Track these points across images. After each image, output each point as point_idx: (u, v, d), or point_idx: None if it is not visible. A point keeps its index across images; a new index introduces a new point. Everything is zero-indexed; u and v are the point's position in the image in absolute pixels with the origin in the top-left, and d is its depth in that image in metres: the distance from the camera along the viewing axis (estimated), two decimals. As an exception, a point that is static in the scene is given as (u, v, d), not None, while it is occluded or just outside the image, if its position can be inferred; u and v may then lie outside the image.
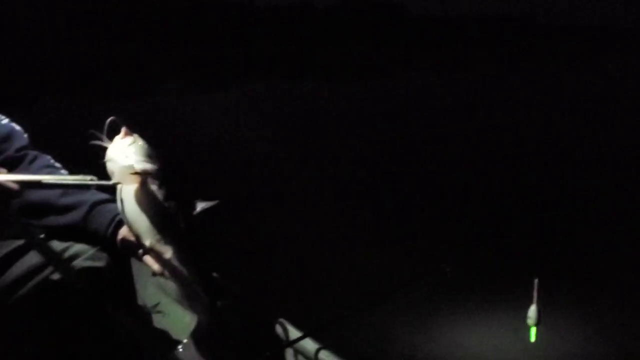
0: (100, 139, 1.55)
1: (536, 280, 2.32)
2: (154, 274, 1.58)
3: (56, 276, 1.62)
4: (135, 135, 1.57)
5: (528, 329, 2.46)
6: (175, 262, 1.54)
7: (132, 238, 1.57)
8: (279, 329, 1.89)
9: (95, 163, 1.57)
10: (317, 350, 1.81)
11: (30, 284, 1.58)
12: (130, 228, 1.54)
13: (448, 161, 5.07)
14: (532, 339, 2.46)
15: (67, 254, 1.62)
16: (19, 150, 1.75)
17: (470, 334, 2.91)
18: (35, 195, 1.68)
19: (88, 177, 1.56)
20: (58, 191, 1.71)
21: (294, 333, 1.86)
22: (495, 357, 2.82)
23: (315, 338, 1.84)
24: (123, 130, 1.56)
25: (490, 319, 2.98)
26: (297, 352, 1.88)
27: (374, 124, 5.92)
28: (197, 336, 1.60)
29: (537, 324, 2.47)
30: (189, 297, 1.57)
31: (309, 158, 5.00)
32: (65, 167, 1.81)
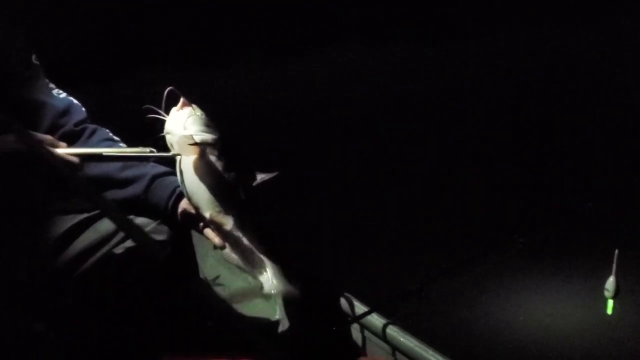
0: (158, 113, 1.53)
1: (616, 251, 2.20)
2: (215, 247, 1.55)
3: (119, 250, 1.61)
4: (194, 106, 1.54)
5: (605, 301, 2.35)
6: (237, 233, 1.50)
7: (192, 210, 1.54)
8: (344, 304, 1.84)
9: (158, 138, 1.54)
10: (384, 326, 1.75)
11: (92, 258, 1.58)
12: (190, 200, 1.51)
13: (525, 124, 4.71)
14: (609, 311, 2.35)
15: None
16: (77, 124, 1.73)
17: (543, 308, 2.79)
18: (96, 169, 1.67)
19: (147, 149, 1.54)
20: (118, 165, 1.69)
21: (360, 308, 1.81)
22: (569, 330, 2.69)
23: (382, 313, 1.78)
24: (181, 100, 1.53)
25: (565, 291, 2.84)
26: (363, 327, 1.84)
27: (464, 88, 5.57)
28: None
29: (614, 297, 2.35)
30: (254, 267, 1.53)
31: (382, 128, 4.81)
32: (128, 141, 1.79)
